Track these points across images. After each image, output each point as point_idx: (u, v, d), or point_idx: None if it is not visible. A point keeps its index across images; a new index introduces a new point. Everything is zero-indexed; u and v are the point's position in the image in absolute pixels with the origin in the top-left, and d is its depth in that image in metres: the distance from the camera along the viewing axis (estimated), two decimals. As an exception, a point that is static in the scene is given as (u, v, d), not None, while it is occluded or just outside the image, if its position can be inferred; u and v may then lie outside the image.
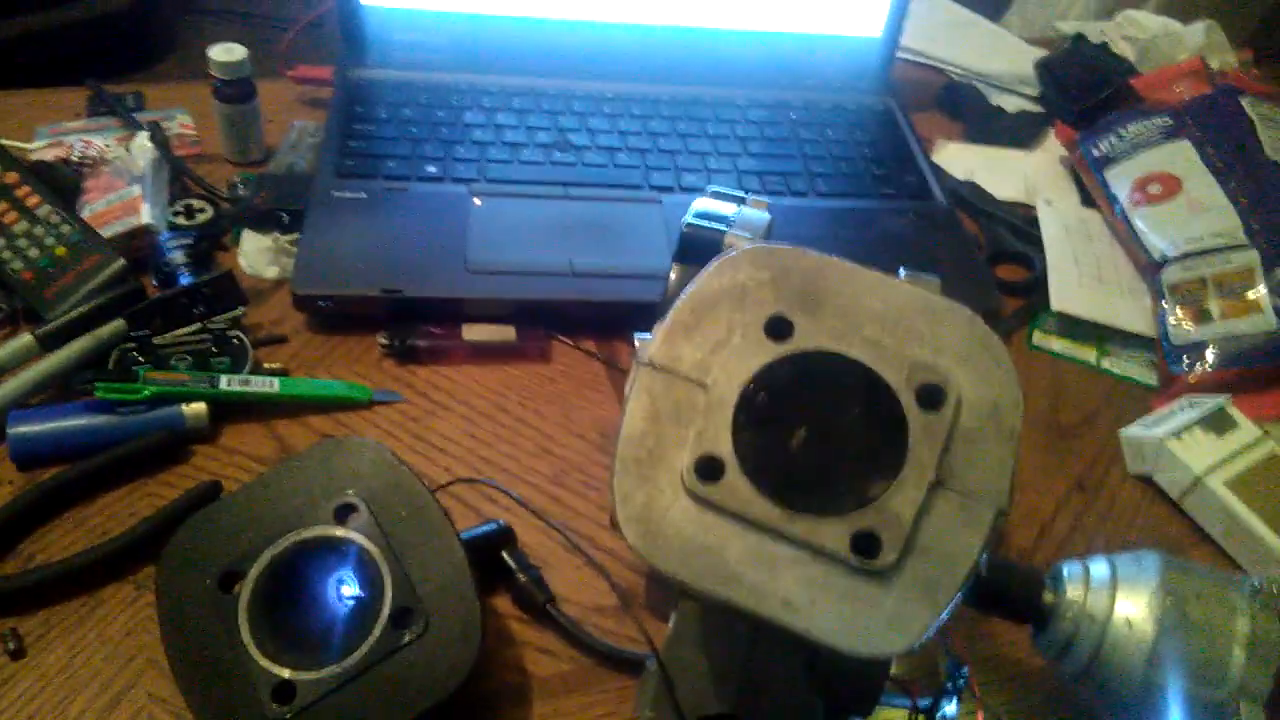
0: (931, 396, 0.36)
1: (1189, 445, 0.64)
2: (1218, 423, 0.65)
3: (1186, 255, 0.74)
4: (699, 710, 0.46)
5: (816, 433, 0.37)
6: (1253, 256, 0.72)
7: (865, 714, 0.49)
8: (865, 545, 0.35)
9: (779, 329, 0.38)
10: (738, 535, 0.36)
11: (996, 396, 0.36)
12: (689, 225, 0.50)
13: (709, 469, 0.36)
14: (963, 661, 0.53)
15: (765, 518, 0.35)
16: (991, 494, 0.35)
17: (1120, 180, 0.82)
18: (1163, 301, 0.74)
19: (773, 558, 0.35)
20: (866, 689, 0.49)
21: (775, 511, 0.35)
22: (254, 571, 0.48)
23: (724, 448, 0.36)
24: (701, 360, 0.38)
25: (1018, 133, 0.95)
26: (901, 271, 0.41)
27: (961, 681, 0.52)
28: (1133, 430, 0.67)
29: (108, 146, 0.74)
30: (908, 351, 0.37)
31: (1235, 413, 0.66)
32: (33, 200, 0.67)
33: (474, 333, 0.68)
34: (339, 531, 0.49)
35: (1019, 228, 0.83)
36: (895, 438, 0.36)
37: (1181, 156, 0.80)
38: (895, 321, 0.38)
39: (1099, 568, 0.47)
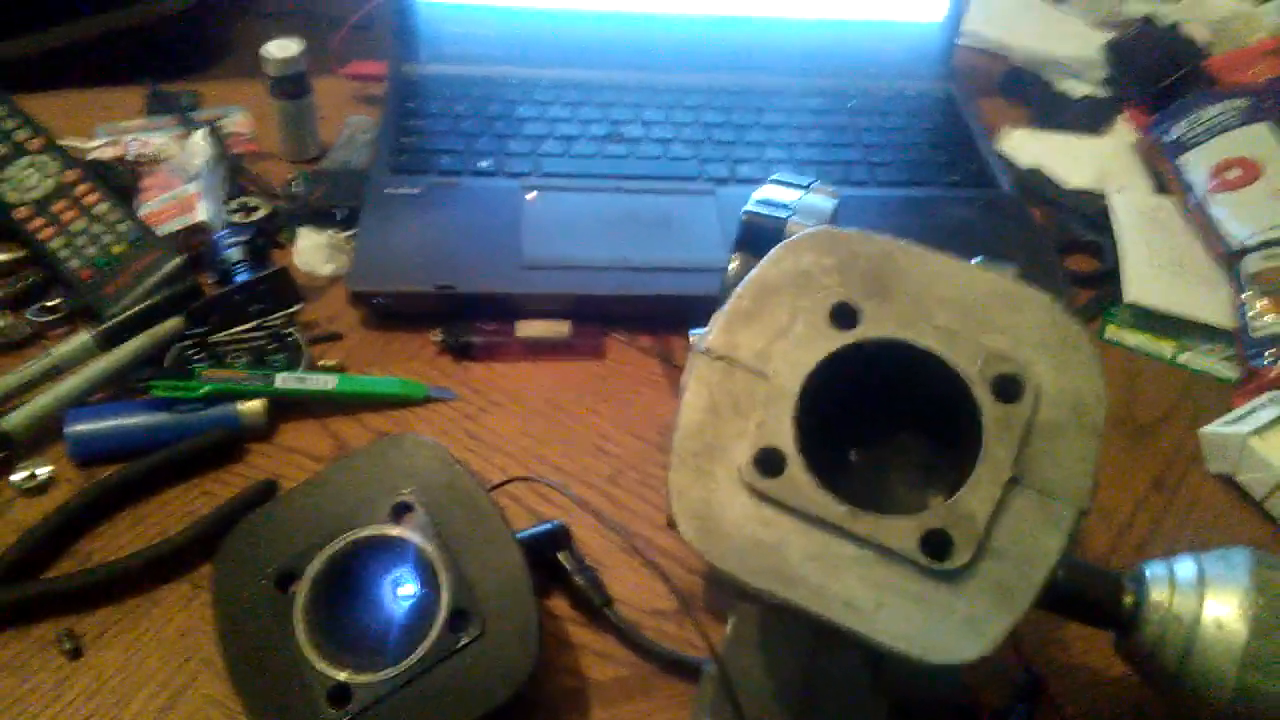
0: (1008, 387, 0.34)
1: (1273, 443, 0.61)
2: (1306, 419, 0.62)
3: (1268, 243, 0.71)
4: (760, 716, 0.44)
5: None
6: (1342, 244, 0.68)
7: (933, 716, 0.47)
8: (936, 545, 0.33)
9: (845, 316, 0.36)
10: (799, 532, 0.34)
11: (1078, 388, 0.34)
12: (749, 212, 0.48)
13: (770, 463, 0.35)
14: (1036, 670, 0.51)
15: (829, 514, 0.34)
16: (1072, 492, 0.33)
17: (1196, 166, 0.79)
18: (1243, 293, 0.71)
19: (836, 557, 0.34)
20: (935, 697, 0.48)
21: (839, 508, 0.34)
22: (310, 571, 0.47)
23: (785, 441, 0.35)
24: (762, 349, 0.37)
25: (1085, 118, 0.91)
26: (976, 259, 0.40)
27: (1035, 690, 0.50)
28: (1213, 428, 0.64)
29: (165, 145, 0.74)
30: (983, 340, 0.35)
31: (1325, 408, 0.62)
32: (91, 199, 0.68)
33: (528, 329, 0.67)
34: (395, 531, 0.48)
35: (1089, 217, 0.80)
36: (969, 431, 0.35)
37: (1261, 140, 0.77)
38: (969, 309, 0.36)
39: (1185, 567, 0.44)
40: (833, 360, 0.36)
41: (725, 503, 0.35)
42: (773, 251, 0.39)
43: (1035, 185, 0.82)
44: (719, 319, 0.38)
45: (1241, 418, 0.63)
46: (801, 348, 0.36)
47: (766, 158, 0.80)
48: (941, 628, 0.32)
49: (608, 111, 0.83)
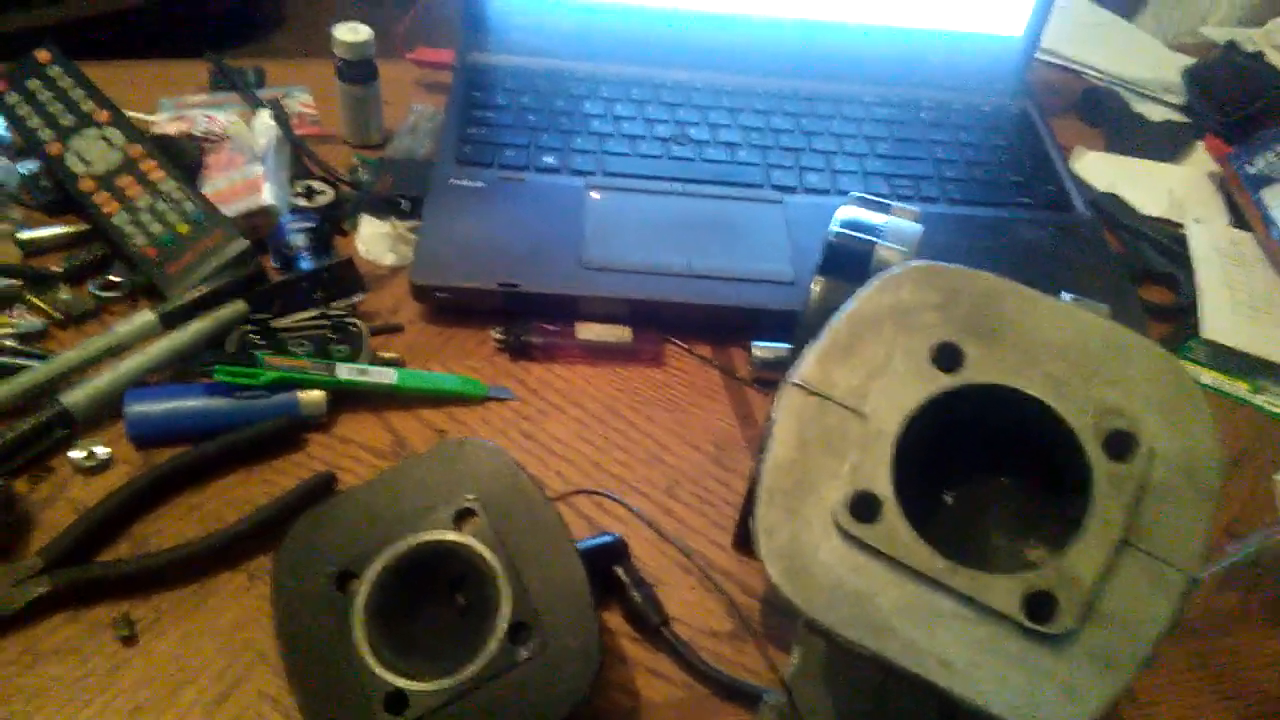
0: (1121, 444, 0.33)
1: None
2: (1388, 472, 0.60)
3: (1355, 285, 0.69)
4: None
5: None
6: None
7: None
8: (1039, 607, 0.32)
9: (948, 357, 0.35)
10: (894, 583, 0.33)
11: (1192, 448, 0.33)
12: (836, 235, 0.47)
13: (865, 507, 0.34)
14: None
15: (926, 566, 0.33)
16: (1184, 558, 0.32)
17: (1279, 201, 0.77)
18: (1326, 335, 0.69)
19: (932, 611, 0.32)
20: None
21: (938, 561, 0.33)
22: (370, 573, 0.46)
23: (882, 485, 0.34)
24: (858, 386, 0.35)
25: (1163, 144, 0.89)
26: (1064, 296, 0.38)
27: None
28: (1290, 474, 0.62)
29: (231, 123, 0.74)
30: (1094, 392, 0.34)
31: None
32: (156, 174, 0.67)
33: (588, 332, 0.66)
34: (458, 537, 0.47)
35: (1165, 246, 0.78)
36: (1073, 484, 0.33)
37: (1349, 177, 0.75)
38: (1079, 357, 0.34)
39: None
40: (933, 402, 0.35)
41: (816, 545, 0.34)
42: (870, 283, 0.38)
43: (1110, 211, 0.80)
44: (813, 351, 0.36)
45: (1318, 467, 0.62)
46: (901, 387, 0.35)
47: (835, 167, 0.78)
48: (1041, 693, 0.31)
49: (674, 112, 0.82)
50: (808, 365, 0.36)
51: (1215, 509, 0.32)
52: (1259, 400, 0.68)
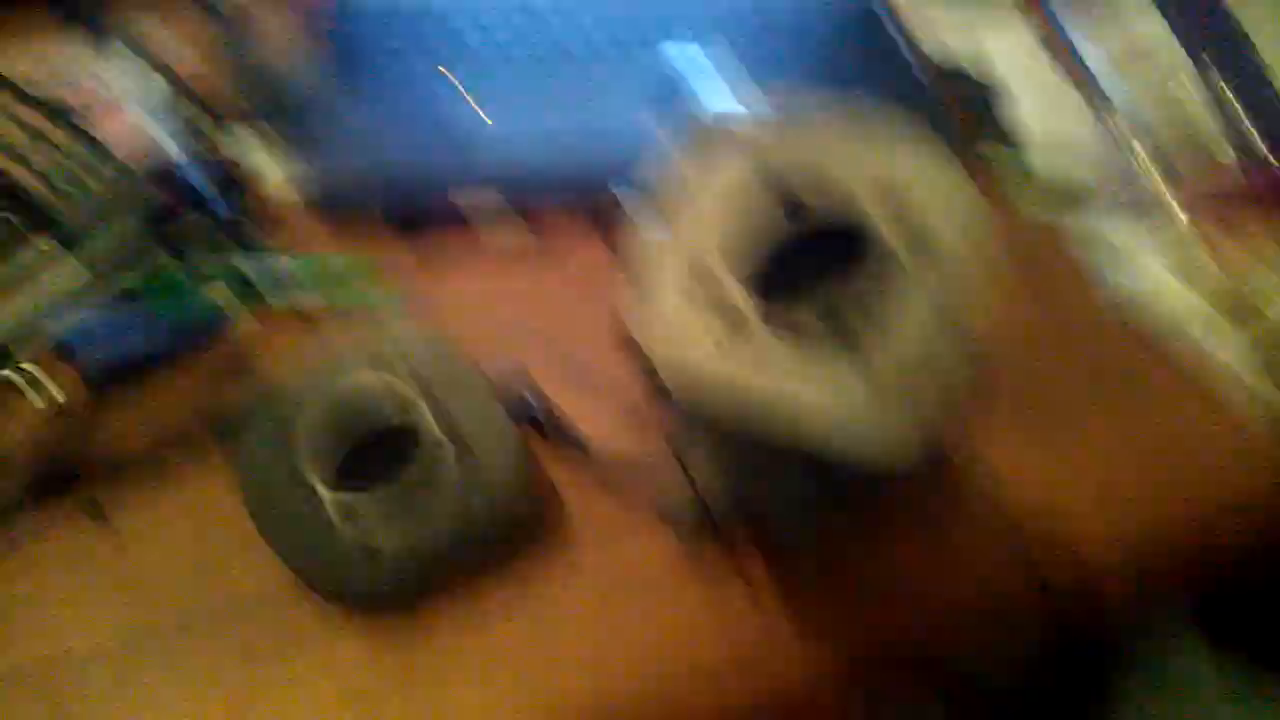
0: (921, 245, 0.42)
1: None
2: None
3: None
4: (709, 495, 0.53)
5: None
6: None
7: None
8: (870, 371, 0.41)
9: (776, 193, 0.44)
10: (759, 371, 0.42)
11: (956, 206, 0.42)
12: (664, 70, 0.54)
13: (731, 323, 0.42)
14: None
15: (783, 358, 0.42)
16: (976, 322, 0.42)
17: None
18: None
19: (788, 381, 0.42)
20: (864, 479, 0.56)
21: (791, 351, 0.42)
22: (308, 419, 0.54)
23: (742, 304, 0.43)
24: (713, 233, 0.44)
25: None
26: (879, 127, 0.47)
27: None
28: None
29: (103, 70, 0.77)
30: (900, 208, 0.43)
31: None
32: (49, 128, 0.70)
33: (472, 204, 0.72)
34: (377, 378, 0.55)
35: (975, 74, 0.87)
36: (888, 266, 0.43)
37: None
38: (888, 181, 0.43)
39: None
40: (770, 232, 0.43)
41: (701, 361, 0.42)
42: (706, 134, 0.45)
43: (934, 55, 0.89)
44: (670, 210, 0.44)
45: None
46: (744, 224, 0.43)
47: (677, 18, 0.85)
48: (864, 406, 0.40)
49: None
50: (667, 223, 0.44)
51: (983, 242, 0.42)
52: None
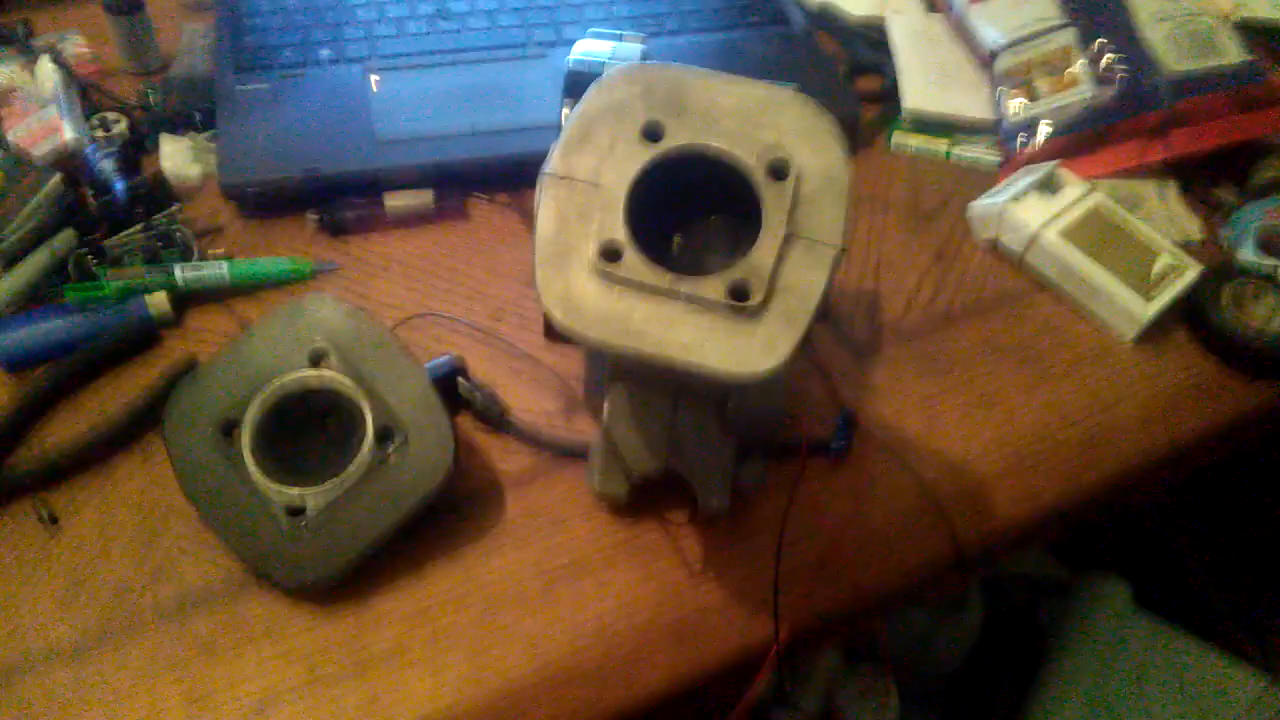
0: (778, 170, 0.45)
1: (1026, 206, 0.74)
2: (1050, 184, 0.75)
3: (1014, 42, 0.84)
4: (637, 466, 0.56)
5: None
6: (1070, 34, 0.82)
7: (768, 449, 0.60)
8: (738, 292, 0.44)
9: (652, 132, 0.46)
10: (640, 301, 0.45)
11: (830, 163, 0.46)
12: (573, 64, 0.57)
13: (611, 253, 0.45)
14: (850, 408, 0.64)
15: (659, 284, 0.44)
16: (831, 237, 0.45)
17: (957, -18, 0.91)
18: (998, 88, 0.84)
19: (669, 314, 0.44)
20: (769, 435, 0.60)
21: (666, 278, 0.45)
22: (249, 416, 0.56)
23: (620, 234, 0.45)
24: (594, 166, 0.46)
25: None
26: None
27: (850, 423, 0.63)
28: (978, 202, 0.77)
29: (14, 74, 0.77)
30: (758, 136, 0.46)
31: (1065, 173, 0.76)
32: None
33: (395, 199, 0.74)
34: (317, 373, 0.57)
35: (873, 40, 0.91)
36: (757, 209, 0.46)
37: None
38: (746, 114, 0.46)
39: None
40: (649, 168, 0.46)
41: (581, 289, 0.45)
42: (591, 87, 0.48)
43: (825, 19, 0.93)
44: (557, 147, 0.47)
45: (1001, 191, 0.77)
46: (623, 162, 0.46)
47: (587, 18, 0.88)
48: (749, 350, 0.43)
49: (433, -9, 0.89)
50: (555, 158, 0.47)
51: (849, 202, 0.45)
52: (956, 153, 0.83)
